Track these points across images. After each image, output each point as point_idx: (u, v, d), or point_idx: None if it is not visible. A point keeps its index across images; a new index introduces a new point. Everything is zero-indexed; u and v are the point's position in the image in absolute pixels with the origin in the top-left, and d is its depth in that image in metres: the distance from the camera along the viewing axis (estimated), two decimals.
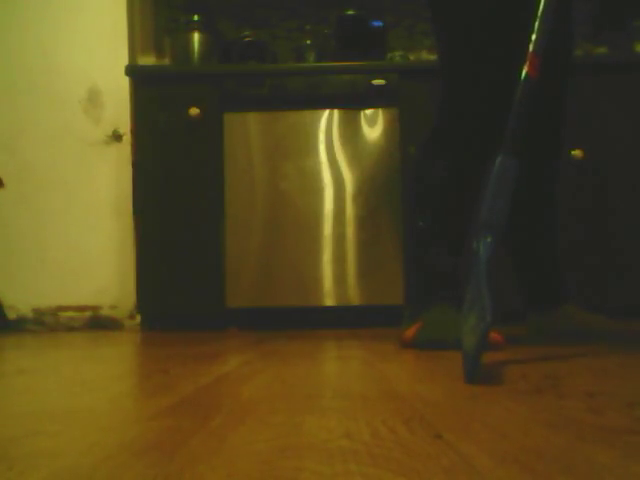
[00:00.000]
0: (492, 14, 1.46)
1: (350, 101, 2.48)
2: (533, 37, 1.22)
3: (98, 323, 2.66)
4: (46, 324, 2.66)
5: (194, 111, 2.47)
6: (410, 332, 1.46)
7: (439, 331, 1.40)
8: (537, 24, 1.22)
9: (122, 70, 2.56)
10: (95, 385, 1.05)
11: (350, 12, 2.76)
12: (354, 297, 2.44)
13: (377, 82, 2.49)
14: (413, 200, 1.62)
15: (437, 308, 1.46)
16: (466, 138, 1.50)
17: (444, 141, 1.53)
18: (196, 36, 2.72)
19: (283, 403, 0.79)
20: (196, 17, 2.74)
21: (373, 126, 2.47)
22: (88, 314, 2.67)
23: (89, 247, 2.68)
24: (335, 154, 2.47)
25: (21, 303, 2.66)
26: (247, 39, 2.79)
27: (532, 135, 1.58)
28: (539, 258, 1.66)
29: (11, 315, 2.66)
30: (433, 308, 1.46)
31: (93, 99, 2.70)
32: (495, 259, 1.13)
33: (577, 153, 2.40)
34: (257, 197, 2.47)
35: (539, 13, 1.23)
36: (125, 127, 2.69)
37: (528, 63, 1.20)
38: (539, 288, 1.66)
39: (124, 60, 2.68)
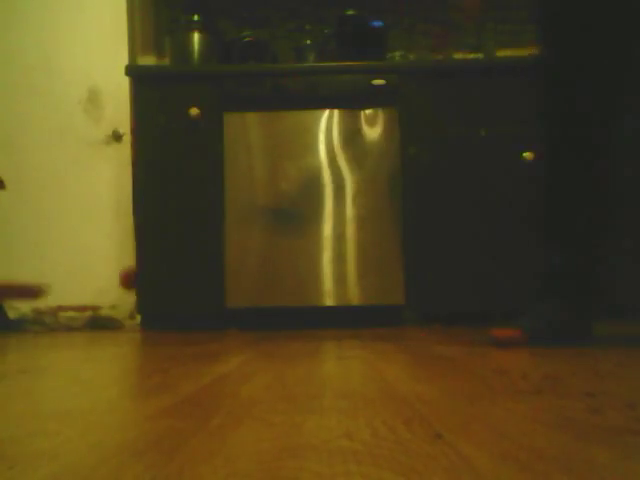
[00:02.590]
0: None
1: (350, 101, 2.48)
2: None
3: (98, 323, 2.66)
4: (46, 324, 2.66)
5: (194, 111, 2.47)
6: (508, 332, 1.50)
7: (550, 327, 1.46)
8: None
9: (122, 70, 2.56)
10: (95, 385, 1.05)
11: (350, 12, 2.76)
12: (354, 297, 2.44)
13: (377, 82, 2.48)
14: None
15: (549, 305, 1.52)
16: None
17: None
18: (196, 36, 2.72)
19: (283, 403, 0.79)
20: (196, 17, 2.74)
21: (373, 126, 2.47)
22: (88, 314, 2.67)
23: (89, 247, 2.67)
24: (335, 154, 2.47)
25: (21, 303, 2.66)
26: (247, 39, 2.79)
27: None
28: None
29: (11, 315, 2.66)
30: (545, 305, 1.52)
31: (93, 99, 2.70)
32: None
33: None
34: (257, 197, 2.47)
35: None
36: (125, 127, 2.69)
37: None
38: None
39: (124, 60, 2.68)
